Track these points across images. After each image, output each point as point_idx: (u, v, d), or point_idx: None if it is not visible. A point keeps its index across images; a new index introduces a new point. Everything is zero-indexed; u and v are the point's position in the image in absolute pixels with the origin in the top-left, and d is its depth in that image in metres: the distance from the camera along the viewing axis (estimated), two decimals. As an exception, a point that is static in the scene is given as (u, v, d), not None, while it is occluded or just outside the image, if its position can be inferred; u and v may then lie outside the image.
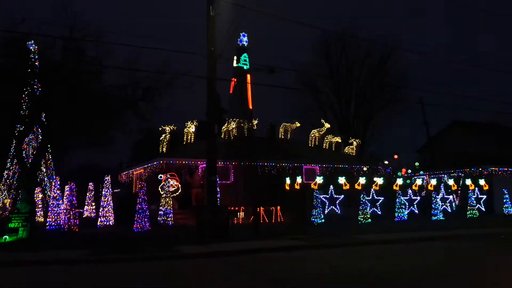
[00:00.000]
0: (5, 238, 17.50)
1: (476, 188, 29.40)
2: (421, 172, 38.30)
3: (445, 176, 34.80)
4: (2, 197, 27.60)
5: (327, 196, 24.93)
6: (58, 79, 28.34)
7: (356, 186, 25.98)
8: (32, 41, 29.40)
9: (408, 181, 29.90)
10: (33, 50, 29.65)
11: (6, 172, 28.99)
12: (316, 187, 25.21)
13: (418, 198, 27.47)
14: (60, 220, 21.85)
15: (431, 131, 43.14)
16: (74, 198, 20.87)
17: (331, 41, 51.29)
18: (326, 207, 24.73)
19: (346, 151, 38.35)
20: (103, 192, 24.13)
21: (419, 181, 30.33)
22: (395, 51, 49.01)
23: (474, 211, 27.52)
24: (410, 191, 27.16)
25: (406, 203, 25.89)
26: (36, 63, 29.82)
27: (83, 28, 28.46)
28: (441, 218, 25.79)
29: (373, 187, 26.09)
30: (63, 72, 29.20)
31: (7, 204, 27.34)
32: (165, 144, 29.90)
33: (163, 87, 31.31)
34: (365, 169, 33.65)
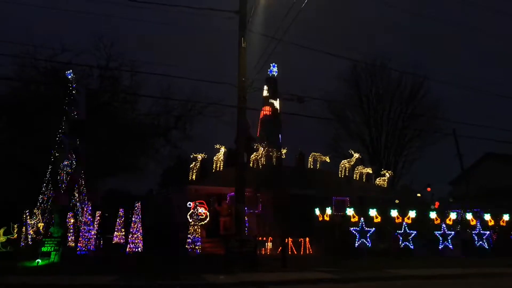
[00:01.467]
0: (38, 262, 17.84)
1: (515, 224, 28.15)
2: (455, 205, 37.08)
3: (481, 210, 33.53)
4: (36, 221, 28.26)
5: (357, 229, 24.38)
6: (94, 106, 29.33)
7: (393, 218, 25.32)
8: (71, 70, 30.65)
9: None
10: (71, 78, 30.87)
11: (41, 196, 29.79)
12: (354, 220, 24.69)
13: (453, 232, 26.51)
14: (90, 245, 22.14)
15: (465, 162, 41.94)
16: (106, 223, 21.15)
17: (361, 70, 51.32)
18: (357, 239, 24.15)
19: (378, 182, 37.64)
20: (132, 219, 24.38)
21: (453, 215, 29.31)
22: (425, 81, 48.58)
23: (512, 248, 26.25)
24: (444, 225, 26.28)
25: (440, 238, 25.03)
26: (73, 91, 30.99)
27: (118, 58, 29.57)
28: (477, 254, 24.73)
29: (405, 220, 25.38)
30: (99, 100, 30.23)
31: (41, 228, 27.93)
32: (194, 171, 30.17)
33: (194, 116, 31.90)
34: (396, 201, 32.86)
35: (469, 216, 28.31)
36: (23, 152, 32.39)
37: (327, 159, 36.37)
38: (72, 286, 13.20)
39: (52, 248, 18.70)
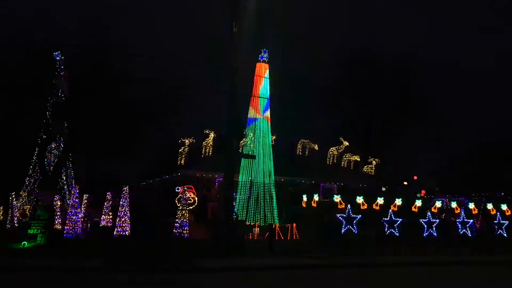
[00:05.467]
0: (24, 244, 17.76)
1: (498, 213, 28.66)
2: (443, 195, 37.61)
3: (466, 199, 34.07)
4: (22, 204, 28.06)
5: (344, 215, 24.61)
6: (84, 89, 28.99)
7: (374, 206, 25.60)
8: (59, 52, 30.14)
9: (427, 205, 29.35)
10: (58, 59, 30.36)
11: (27, 179, 29.52)
12: (342, 206, 24.89)
13: (437, 221, 26.91)
14: (77, 228, 22.04)
15: (452, 153, 42.48)
16: (92, 207, 21.07)
17: (354, 60, 51.17)
18: (343, 226, 24.39)
19: (365, 170, 37.96)
20: (120, 202, 24.31)
21: (438, 204, 29.72)
22: (415, 73, 48.79)
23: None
24: (429, 213, 26.64)
25: (425, 225, 25.37)
26: (61, 73, 30.53)
27: (110, 43, 29.17)
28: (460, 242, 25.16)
29: (392, 208, 25.68)
30: (88, 83, 29.86)
31: (27, 210, 27.75)
32: (183, 156, 30.12)
33: (184, 101, 31.73)
34: (383, 189, 33.23)
35: (453, 204, 28.75)
36: (12, 134, 32.04)
37: (316, 147, 36.51)
38: (60, 268, 13.21)
39: (39, 230, 18.64)
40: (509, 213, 29.46)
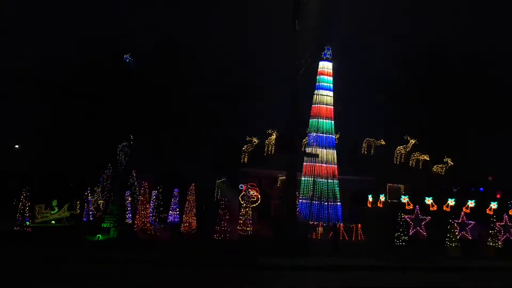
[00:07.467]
0: (99, 237, 18.88)
1: None
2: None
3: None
4: (96, 199, 29.78)
5: (412, 217, 23.66)
6: (151, 91, 30.26)
7: (445, 208, 24.38)
8: (129, 54, 31.60)
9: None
10: (129, 61, 31.77)
11: (101, 175, 31.27)
12: (410, 206, 24.03)
13: (516, 225, 25.09)
14: (146, 223, 23.03)
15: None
16: (161, 202, 21.89)
17: (417, 55, 49.05)
18: (411, 228, 23.46)
19: (435, 170, 36.26)
20: (187, 198, 25.04)
21: (517, 206, 27.69)
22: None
23: None
24: (506, 216, 24.91)
25: (501, 229, 23.77)
26: (134, 76, 32.00)
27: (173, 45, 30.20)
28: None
29: (464, 210, 24.31)
30: (155, 85, 31.12)
31: (101, 205, 29.42)
32: (247, 154, 30.52)
33: (248, 99, 32.14)
34: (455, 190, 31.55)
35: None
36: (87, 133, 34.22)
37: (382, 142, 35.41)
38: (128, 260, 13.88)
39: (112, 224, 19.73)
40: None
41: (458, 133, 48.02)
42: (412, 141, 36.43)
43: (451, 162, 36.10)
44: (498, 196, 35.41)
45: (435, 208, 24.31)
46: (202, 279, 11.96)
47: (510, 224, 24.76)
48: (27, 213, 20.15)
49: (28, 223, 20.35)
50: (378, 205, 26.22)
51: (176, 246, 17.61)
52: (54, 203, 28.13)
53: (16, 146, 38.10)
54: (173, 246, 17.71)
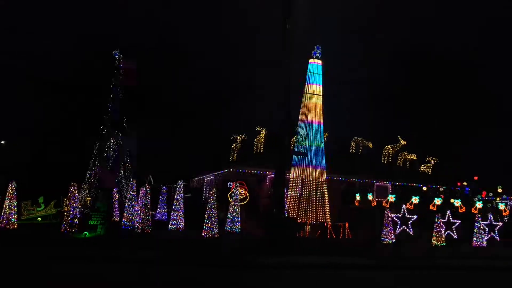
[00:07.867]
0: (85, 234, 18.71)
1: None
2: (504, 196, 35.47)
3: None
4: (83, 196, 29.52)
5: (399, 216, 23.88)
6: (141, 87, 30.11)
7: (431, 207, 24.68)
8: (118, 50, 31.37)
9: (488, 205, 27.87)
10: (118, 58, 31.57)
11: (88, 172, 31.00)
12: (387, 205, 24.30)
13: (500, 224, 25.46)
14: (134, 221, 22.87)
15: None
16: (148, 201, 21.78)
17: (406, 57, 49.54)
18: (398, 227, 23.68)
19: (422, 169, 36.62)
20: (175, 196, 24.91)
21: (501, 206, 28.14)
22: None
23: None
24: (490, 215, 25.25)
25: (486, 228, 24.08)
26: (120, 71, 31.75)
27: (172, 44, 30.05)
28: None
29: (449, 209, 24.61)
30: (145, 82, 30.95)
31: (88, 202, 29.16)
32: (235, 152, 30.47)
33: (239, 97, 32.12)
34: (441, 189, 31.89)
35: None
36: (74, 130, 33.92)
37: (370, 145, 35.64)
38: (115, 259, 13.78)
39: (98, 221, 19.58)
40: None
41: (445, 133, 48.62)
42: (403, 142, 36.66)
43: (433, 161, 36.43)
44: (483, 195, 35.90)
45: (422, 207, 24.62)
46: (188, 278, 11.93)
47: (495, 223, 25.16)
48: (13, 210, 19.91)
49: (13, 220, 20.09)
50: (366, 204, 26.45)
51: (164, 244, 17.52)
52: (41, 200, 27.79)
53: (2, 142, 37.59)
54: (160, 244, 17.61)
